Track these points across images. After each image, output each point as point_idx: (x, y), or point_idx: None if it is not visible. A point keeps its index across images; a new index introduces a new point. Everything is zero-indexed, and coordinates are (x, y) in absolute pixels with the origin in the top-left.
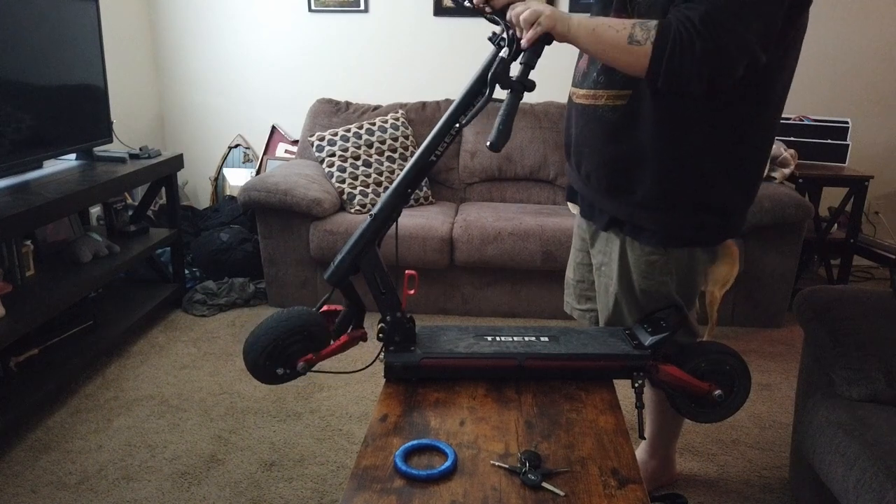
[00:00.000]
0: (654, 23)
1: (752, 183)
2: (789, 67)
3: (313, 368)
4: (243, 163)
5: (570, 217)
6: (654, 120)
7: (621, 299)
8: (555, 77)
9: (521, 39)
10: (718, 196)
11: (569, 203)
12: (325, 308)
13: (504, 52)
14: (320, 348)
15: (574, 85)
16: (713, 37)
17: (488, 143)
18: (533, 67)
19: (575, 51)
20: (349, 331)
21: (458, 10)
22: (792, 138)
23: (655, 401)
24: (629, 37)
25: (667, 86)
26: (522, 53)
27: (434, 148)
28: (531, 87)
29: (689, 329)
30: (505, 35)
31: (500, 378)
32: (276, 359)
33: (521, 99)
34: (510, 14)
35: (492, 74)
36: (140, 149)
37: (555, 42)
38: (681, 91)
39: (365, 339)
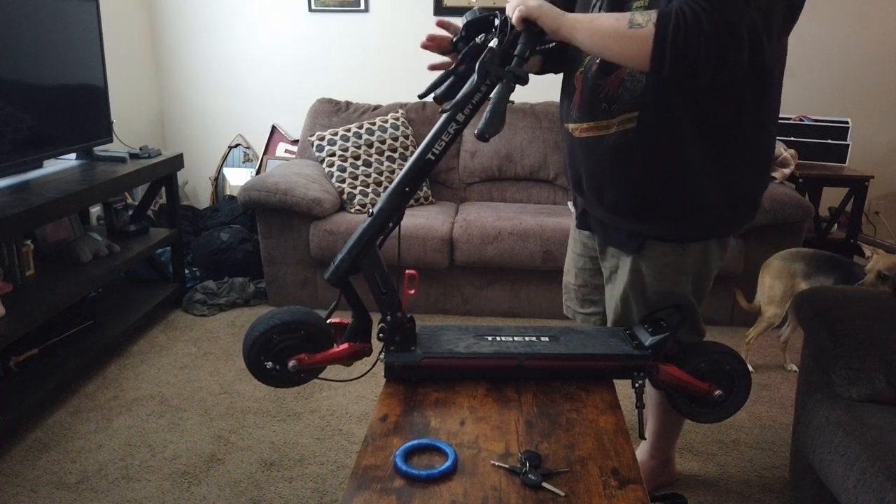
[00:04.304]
0: (654, 10)
1: (768, 167)
2: (783, 56)
3: (318, 376)
4: (243, 163)
5: (570, 217)
6: (670, 130)
7: (631, 302)
8: (555, 77)
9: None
10: (744, 186)
11: (569, 203)
12: (336, 321)
13: (493, 43)
14: (317, 351)
15: (571, 121)
16: (720, 10)
17: (476, 132)
18: (525, 59)
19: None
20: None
21: (460, 13)
22: (792, 138)
23: (656, 401)
24: (629, 22)
25: (673, 69)
26: (517, 46)
27: (432, 146)
28: (523, 77)
29: (697, 329)
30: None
31: (501, 378)
32: (266, 351)
33: (512, 90)
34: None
35: (480, 63)
36: (140, 148)
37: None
38: (688, 76)
39: (368, 354)
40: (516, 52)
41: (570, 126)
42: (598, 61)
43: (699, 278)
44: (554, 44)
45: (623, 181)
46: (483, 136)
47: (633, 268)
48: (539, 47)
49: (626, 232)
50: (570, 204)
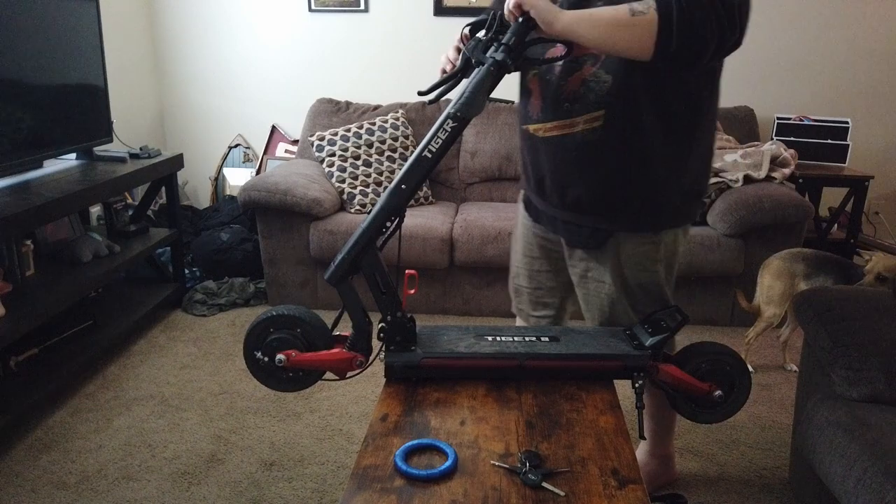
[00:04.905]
0: None
1: (711, 158)
2: None
3: (321, 379)
4: (243, 163)
5: (518, 221)
6: (637, 127)
7: (617, 299)
8: None
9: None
10: (699, 176)
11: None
12: (346, 334)
13: (482, 34)
14: (308, 351)
15: (532, 122)
16: None
17: (447, 110)
18: (511, 48)
19: None
20: (346, 348)
21: (460, 13)
22: (792, 138)
23: (647, 398)
24: (630, 10)
25: (680, 51)
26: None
27: (428, 143)
28: (501, 62)
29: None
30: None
31: (501, 378)
32: (256, 340)
33: (493, 75)
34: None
35: (463, 52)
36: (140, 148)
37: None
38: (693, 58)
39: (361, 366)
40: (503, 41)
41: (532, 127)
42: (559, 64)
43: (669, 266)
44: (566, 55)
45: (590, 176)
46: (456, 116)
47: (613, 265)
48: (544, 59)
49: (591, 229)
50: (521, 204)
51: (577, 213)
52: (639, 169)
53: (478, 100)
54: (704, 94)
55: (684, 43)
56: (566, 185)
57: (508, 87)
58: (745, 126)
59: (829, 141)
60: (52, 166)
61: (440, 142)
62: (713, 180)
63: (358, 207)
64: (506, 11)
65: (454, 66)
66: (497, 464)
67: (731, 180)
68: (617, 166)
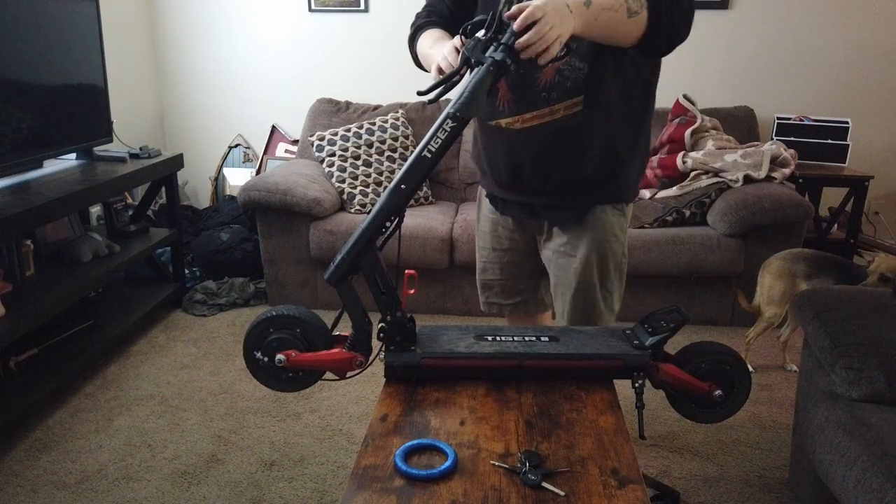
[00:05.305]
0: None
1: (650, 136)
2: None
3: (321, 379)
4: (243, 163)
5: (476, 222)
6: (609, 108)
7: (588, 273)
8: None
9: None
10: (646, 149)
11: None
12: (345, 334)
13: (481, 33)
14: (308, 351)
15: (504, 116)
16: None
17: (448, 110)
18: (510, 47)
19: None
20: (346, 348)
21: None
22: (792, 138)
23: None
24: (627, 11)
25: (664, 35)
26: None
27: (428, 143)
28: (501, 62)
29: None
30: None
31: (501, 378)
32: (256, 341)
33: (492, 74)
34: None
35: (462, 51)
36: (140, 148)
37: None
38: (669, 47)
39: (361, 366)
40: (502, 41)
41: (505, 121)
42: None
43: (627, 244)
44: (566, 55)
45: (572, 158)
46: (455, 116)
47: (590, 236)
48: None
49: (574, 205)
50: (485, 201)
51: (560, 194)
52: (611, 146)
53: (477, 99)
54: (653, 76)
55: (665, 38)
56: (550, 169)
57: None
58: (745, 126)
59: (829, 141)
60: (52, 166)
61: (440, 142)
62: (713, 180)
63: (358, 207)
64: (517, 25)
65: (452, 67)
66: (497, 464)
67: (731, 180)
68: (596, 145)
